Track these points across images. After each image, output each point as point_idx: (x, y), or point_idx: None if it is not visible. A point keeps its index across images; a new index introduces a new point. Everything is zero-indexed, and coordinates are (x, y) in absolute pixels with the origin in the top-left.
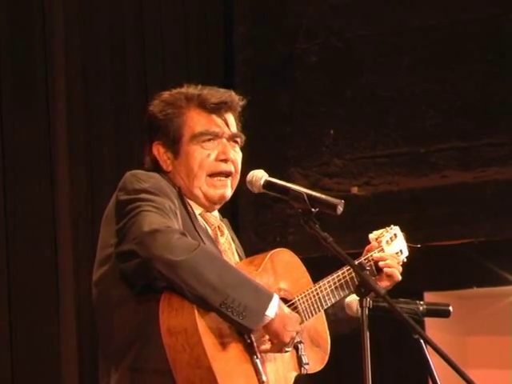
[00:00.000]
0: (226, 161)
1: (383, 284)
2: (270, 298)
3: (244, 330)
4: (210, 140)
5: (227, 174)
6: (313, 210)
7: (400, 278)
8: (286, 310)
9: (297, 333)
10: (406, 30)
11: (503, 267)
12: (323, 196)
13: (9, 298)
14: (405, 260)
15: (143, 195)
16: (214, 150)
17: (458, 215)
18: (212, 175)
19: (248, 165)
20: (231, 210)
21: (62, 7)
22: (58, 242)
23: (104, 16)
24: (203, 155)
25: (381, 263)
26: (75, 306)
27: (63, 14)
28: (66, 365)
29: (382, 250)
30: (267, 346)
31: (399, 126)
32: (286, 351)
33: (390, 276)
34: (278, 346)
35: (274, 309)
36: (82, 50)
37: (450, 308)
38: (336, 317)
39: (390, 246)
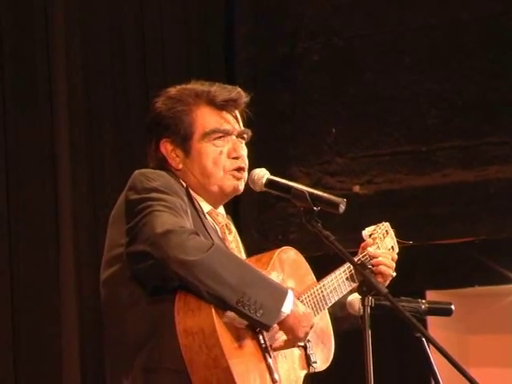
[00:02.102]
0: (237, 158)
1: None
2: (285, 294)
3: (261, 327)
4: (221, 137)
5: (240, 169)
6: (315, 208)
7: (393, 274)
8: (300, 305)
9: (311, 328)
10: (407, 29)
11: (505, 266)
12: (325, 194)
13: (12, 298)
14: (396, 256)
15: (154, 194)
16: (225, 147)
17: (460, 214)
18: (227, 172)
19: (250, 164)
20: (233, 209)
21: (63, 8)
22: (60, 241)
23: (105, 17)
24: (216, 153)
25: (373, 261)
26: (77, 306)
27: (64, 15)
28: (68, 364)
29: (378, 247)
30: (281, 342)
31: (401, 124)
32: (298, 346)
33: (381, 273)
34: (292, 342)
35: (289, 305)
36: (82, 51)
37: (452, 306)
38: (335, 315)
39: (384, 243)
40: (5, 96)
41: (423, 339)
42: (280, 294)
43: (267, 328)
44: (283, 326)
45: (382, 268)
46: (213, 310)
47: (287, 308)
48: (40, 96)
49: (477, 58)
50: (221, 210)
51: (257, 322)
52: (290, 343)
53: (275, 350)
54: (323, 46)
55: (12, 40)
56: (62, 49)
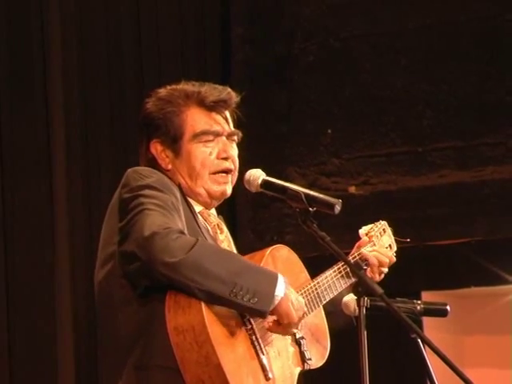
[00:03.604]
0: (226, 158)
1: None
2: (275, 278)
3: (258, 315)
4: (210, 139)
5: (228, 172)
6: (310, 209)
7: (385, 270)
8: (292, 290)
9: (303, 313)
10: (402, 29)
11: (501, 266)
12: (321, 195)
13: (7, 299)
14: (394, 255)
15: (146, 191)
16: (215, 148)
17: (456, 215)
18: (214, 173)
19: (246, 164)
20: (229, 209)
21: (59, 7)
22: (56, 241)
23: (101, 17)
24: (205, 154)
25: (366, 253)
26: (72, 306)
27: (60, 14)
28: (63, 365)
29: (374, 245)
30: (274, 334)
31: (397, 125)
32: (292, 332)
33: (367, 259)
34: (287, 327)
35: (281, 288)
36: (79, 51)
37: (448, 307)
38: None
39: (380, 241)
40: (0, 96)
41: (419, 340)
42: (271, 278)
43: (264, 315)
44: (278, 310)
45: (373, 259)
46: (203, 307)
47: (280, 291)
48: (36, 96)
49: (472, 59)
50: (212, 210)
51: (253, 310)
52: (285, 329)
53: (268, 343)
54: (319, 46)
55: (7, 39)
56: (58, 48)
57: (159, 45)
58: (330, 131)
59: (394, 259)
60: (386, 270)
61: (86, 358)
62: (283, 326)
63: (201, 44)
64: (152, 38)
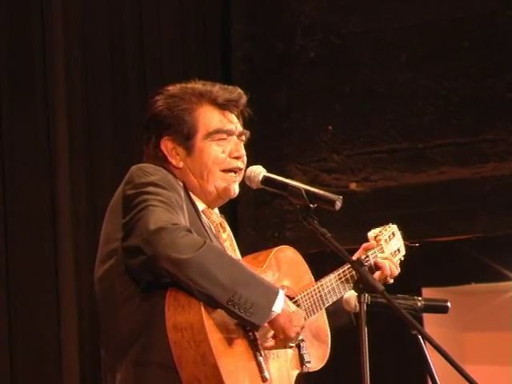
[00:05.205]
0: (238, 158)
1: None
2: (276, 293)
3: (251, 327)
4: (223, 137)
5: (237, 171)
6: (311, 205)
7: (389, 272)
8: (291, 305)
9: (301, 328)
10: (403, 26)
11: (501, 263)
12: (322, 192)
13: (8, 298)
14: (402, 259)
15: (150, 188)
16: (227, 147)
17: (456, 211)
18: (225, 171)
19: (246, 161)
20: (230, 206)
21: (62, 6)
22: (58, 241)
23: (103, 15)
24: (218, 152)
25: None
26: (76, 306)
27: (62, 13)
28: (67, 364)
29: (382, 249)
30: (272, 342)
31: (397, 121)
32: (290, 347)
33: (381, 267)
34: (284, 342)
35: (280, 304)
36: (81, 50)
37: (448, 304)
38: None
39: (389, 245)
40: (2, 94)
41: (419, 337)
42: (271, 293)
43: (257, 327)
44: (274, 325)
45: (382, 262)
46: (202, 306)
47: (278, 307)
48: (38, 94)
49: (473, 56)
50: (215, 209)
51: (247, 322)
52: (281, 343)
53: (266, 349)
54: (319, 43)
55: (9, 38)
56: (61, 47)
57: (160, 42)
58: (330, 128)
59: (399, 270)
60: (391, 281)
61: (91, 357)
62: (279, 339)
63: (201, 40)
64: (153, 36)
